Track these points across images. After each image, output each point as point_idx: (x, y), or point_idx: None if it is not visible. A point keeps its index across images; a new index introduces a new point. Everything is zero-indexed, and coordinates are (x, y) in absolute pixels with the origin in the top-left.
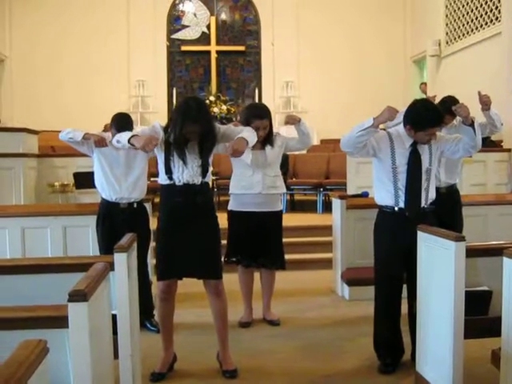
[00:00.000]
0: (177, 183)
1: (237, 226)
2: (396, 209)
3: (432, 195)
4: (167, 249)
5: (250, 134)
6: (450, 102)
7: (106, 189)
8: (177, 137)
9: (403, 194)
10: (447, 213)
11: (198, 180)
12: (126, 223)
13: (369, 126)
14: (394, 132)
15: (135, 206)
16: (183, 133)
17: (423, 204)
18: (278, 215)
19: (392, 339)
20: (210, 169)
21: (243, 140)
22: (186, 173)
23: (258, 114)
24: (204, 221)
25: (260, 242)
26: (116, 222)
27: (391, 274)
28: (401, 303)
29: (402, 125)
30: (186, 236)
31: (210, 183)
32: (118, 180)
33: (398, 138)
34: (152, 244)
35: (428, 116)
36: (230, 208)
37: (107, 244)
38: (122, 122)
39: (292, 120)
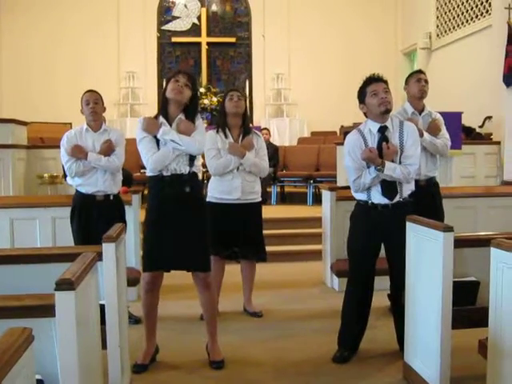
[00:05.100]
0: (164, 173)
1: (214, 216)
2: (369, 203)
3: (409, 188)
4: (154, 240)
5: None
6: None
7: (85, 184)
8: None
9: (376, 190)
10: (427, 205)
11: (185, 169)
12: (103, 216)
13: (377, 170)
14: (364, 128)
15: (111, 198)
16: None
17: (398, 198)
18: (256, 206)
19: (359, 333)
20: (200, 161)
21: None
22: (172, 161)
23: (231, 89)
24: (193, 212)
25: (239, 232)
26: (92, 214)
27: (364, 265)
28: (372, 295)
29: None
30: (174, 228)
31: (200, 175)
32: (96, 175)
33: (368, 133)
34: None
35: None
36: (208, 199)
37: (83, 237)
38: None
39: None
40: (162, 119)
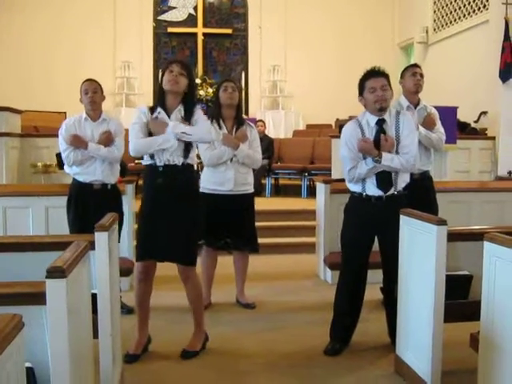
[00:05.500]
0: (158, 163)
1: (206, 207)
2: (364, 195)
3: (404, 180)
4: (146, 230)
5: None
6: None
7: (83, 173)
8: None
9: (371, 182)
10: (420, 199)
11: (179, 160)
12: (99, 205)
13: (374, 161)
14: (361, 119)
15: (109, 187)
16: (167, 78)
17: (393, 190)
18: (249, 197)
19: (350, 325)
20: (195, 152)
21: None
22: (166, 151)
23: (225, 79)
24: (183, 204)
25: (231, 223)
26: (89, 203)
27: (357, 258)
28: (365, 288)
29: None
30: (164, 218)
31: (196, 167)
32: (94, 164)
33: (366, 124)
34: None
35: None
36: (200, 190)
37: (79, 226)
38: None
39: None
40: (159, 109)
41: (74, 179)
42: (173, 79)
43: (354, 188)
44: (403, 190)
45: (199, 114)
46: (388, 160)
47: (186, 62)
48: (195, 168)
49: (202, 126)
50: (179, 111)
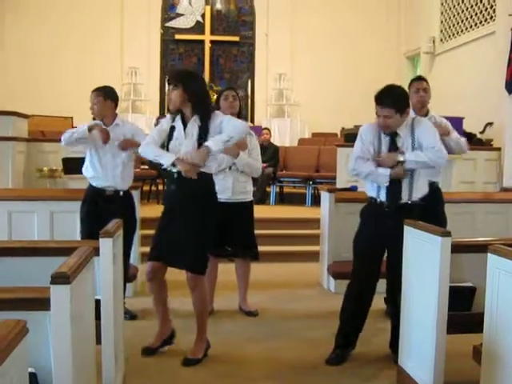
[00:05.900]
0: (173, 170)
1: None
2: (378, 201)
3: (419, 190)
4: (159, 233)
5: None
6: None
7: (96, 177)
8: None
9: (384, 187)
10: (428, 210)
11: None
12: (111, 210)
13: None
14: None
15: (121, 194)
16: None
17: (406, 199)
18: (248, 205)
19: (356, 331)
20: (215, 160)
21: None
22: None
23: (226, 88)
24: (194, 212)
25: (230, 231)
26: (101, 208)
27: (368, 266)
28: (373, 296)
29: None
30: (175, 224)
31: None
32: (106, 169)
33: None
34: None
35: None
36: None
37: (89, 230)
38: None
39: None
40: (178, 117)
41: (89, 184)
42: (168, 99)
43: (370, 193)
44: (419, 201)
45: (221, 116)
46: (412, 155)
47: (179, 71)
48: (212, 177)
49: (232, 124)
50: (195, 120)
